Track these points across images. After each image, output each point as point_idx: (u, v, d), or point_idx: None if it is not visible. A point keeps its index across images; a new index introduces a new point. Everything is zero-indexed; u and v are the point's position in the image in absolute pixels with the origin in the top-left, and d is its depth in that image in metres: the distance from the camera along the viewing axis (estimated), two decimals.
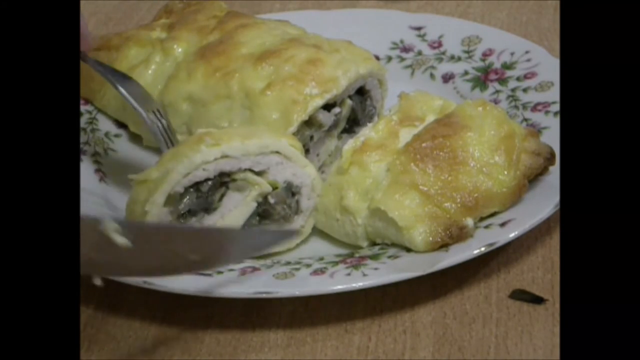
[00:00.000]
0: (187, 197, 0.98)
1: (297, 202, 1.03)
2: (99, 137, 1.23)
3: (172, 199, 0.98)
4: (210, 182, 0.99)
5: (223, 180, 1.00)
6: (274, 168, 1.01)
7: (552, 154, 1.05)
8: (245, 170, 1.00)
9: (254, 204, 1.01)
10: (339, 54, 1.15)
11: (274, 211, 1.02)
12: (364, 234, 1.02)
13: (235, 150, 0.99)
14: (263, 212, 1.02)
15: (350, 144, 1.04)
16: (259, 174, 1.01)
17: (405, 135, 1.04)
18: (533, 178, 1.04)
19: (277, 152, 1.01)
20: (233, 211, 1.01)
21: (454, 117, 1.05)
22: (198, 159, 0.97)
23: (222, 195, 1.00)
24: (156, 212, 0.96)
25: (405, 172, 1.01)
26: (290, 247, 1.04)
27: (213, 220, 1.00)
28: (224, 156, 0.99)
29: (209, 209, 1.00)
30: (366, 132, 1.05)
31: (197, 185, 0.98)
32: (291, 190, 1.03)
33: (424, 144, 1.02)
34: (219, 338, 0.96)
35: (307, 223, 1.04)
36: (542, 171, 1.04)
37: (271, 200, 1.02)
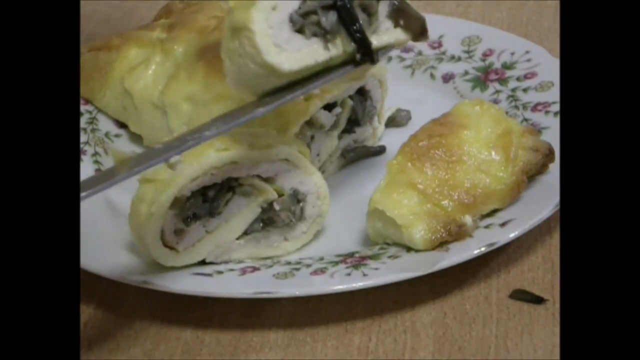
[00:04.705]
0: (193, 200, 0.98)
1: (302, 209, 1.03)
2: (99, 137, 1.23)
3: (179, 202, 0.97)
4: (217, 187, 0.99)
5: (230, 185, 1.00)
6: (281, 175, 1.01)
7: (551, 151, 1.05)
8: (253, 176, 1.00)
9: (258, 210, 1.01)
10: None
11: (277, 218, 1.02)
12: (267, 45, 0.92)
13: (245, 157, 0.99)
14: (267, 218, 1.02)
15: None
16: (266, 180, 1.01)
17: None
18: (532, 176, 1.04)
19: (286, 160, 1.01)
20: (237, 215, 1.01)
21: (450, 116, 1.05)
22: (207, 165, 0.97)
23: (228, 201, 1.00)
24: (162, 214, 0.96)
25: (403, 171, 1.01)
26: (291, 252, 1.04)
27: (216, 223, 1.00)
28: (233, 162, 0.98)
29: (213, 212, 1.00)
30: None
31: (204, 189, 0.98)
32: (297, 198, 1.02)
33: (420, 143, 1.02)
34: (219, 338, 0.96)
35: (309, 230, 1.04)
36: (542, 169, 1.05)
37: (276, 206, 1.01)
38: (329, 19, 0.94)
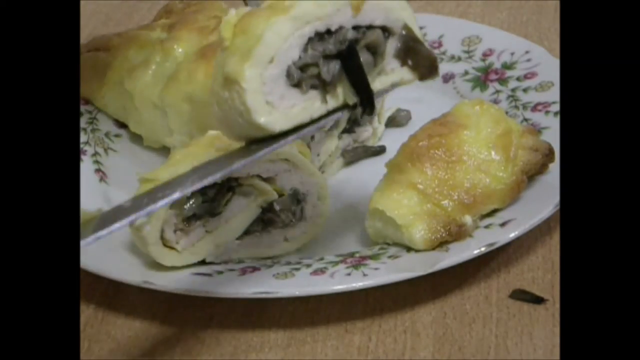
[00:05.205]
0: (193, 200, 0.98)
1: (302, 209, 1.03)
2: (99, 137, 1.23)
3: (179, 202, 0.97)
4: (217, 187, 0.99)
5: (230, 185, 0.99)
6: (282, 175, 1.01)
7: (551, 150, 1.05)
8: (253, 176, 1.00)
9: (259, 210, 1.01)
10: None
11: (277, 218, 1.02)
12: (258, 104, 0.85)
13: None
14: (267, 219, 1.02)
15: (232, 15, 0.87)
16: (266, 180, 1.01)
17: None
18: (532, 176, 1.04)
19: (286, 160, 1.01)
20: (237, 215, 1.01)
21: (450, 116, 1.06)
22: None
23: (228, 201, 1.00)
24: (162, 214, 0.96)
25: (403, 171, 1.01)
26: (290, 252, 1.04)
27: (216, 223, 1.00)
28: None
29: (213, 212, 1.00)
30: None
31: (204, 189, 0.98)
32: (297, 198, 1.02)
33: (420, 143, 1.02)
34: (219, 338, 0.96)
35: (309, 230, 1.04)
36: (541, 169, 1.05)
37: (276, 207, 1.01)
38: (331, 69, 0.87)
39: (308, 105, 0.87)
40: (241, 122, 0.86)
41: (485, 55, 1.28)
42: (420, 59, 0.91)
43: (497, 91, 1.23)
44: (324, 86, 0.87)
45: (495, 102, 1.20)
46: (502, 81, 1.24)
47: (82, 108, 1.26)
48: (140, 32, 1.25)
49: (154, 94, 1.18)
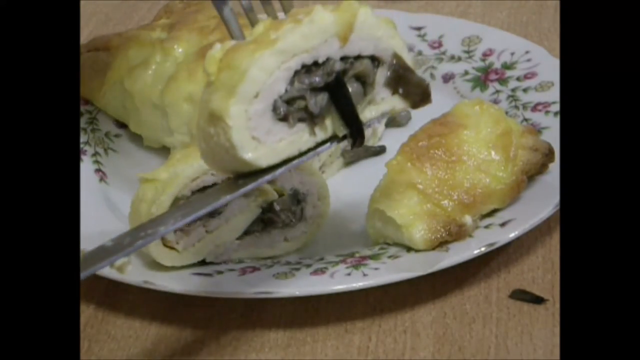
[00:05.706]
0: None
1: (302, 209, 1.03)
2: (99, 137, 1.23)
3: (179, 202, 0.97)
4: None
5: None
6: (281, 175, 1.01)
7: (551, 150, 1.05)
8: None
9: (259, 210, 1.01)
10: None
11: (277, 218, 1.02)
12: (244, 140, 0.84)
13: None
14: (267, 219, 1.02)
15: (217, 49, 0.87)
16: None
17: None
18: (532, 175, 1.04)
19: None
20: (237, 216, 1.01)
21: (450, 116, 1.06)
22: None
23: None
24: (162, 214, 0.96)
25: (403, 171, 1.01)
26: (290, 252, 1.04)
27: (216, 223, 1.00)
28: None
29: (213, 213, 1.00)
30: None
31: (204, 189, 0.98)
32: (297, 198, 1.02)
33: (420, 144, 1.02)
34: (219, 338, 0.96)
35: (309, 230, 1.04)
36: (541, 169, 1.05)
37: (276, 207, 1.01)
38: (319, 101, 0.85)
39: (296, 138, 0.86)
40: (227, 157, 0.84)
41: (485, 55, 1.28)
42: (412, 87, 0.90)
43: (497, 91, 1.23)
44: (312, 118, 0.86)
45: (495, 102, 1.20)
46: (502, 81, 1.24)
47: (82, 108, 1.26)
48: (140, 32, 1.25)
49: (154, 94, 1.18)
